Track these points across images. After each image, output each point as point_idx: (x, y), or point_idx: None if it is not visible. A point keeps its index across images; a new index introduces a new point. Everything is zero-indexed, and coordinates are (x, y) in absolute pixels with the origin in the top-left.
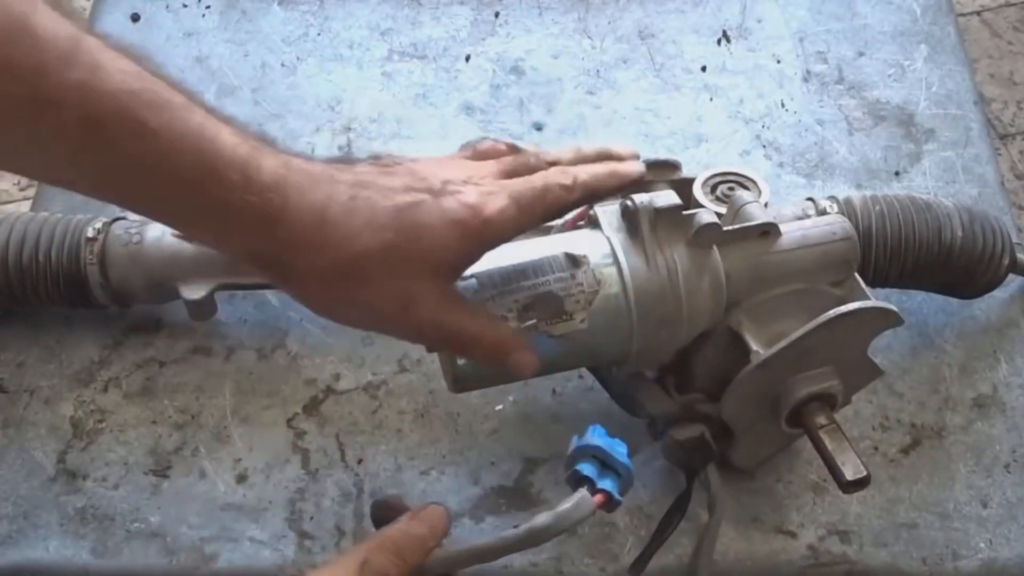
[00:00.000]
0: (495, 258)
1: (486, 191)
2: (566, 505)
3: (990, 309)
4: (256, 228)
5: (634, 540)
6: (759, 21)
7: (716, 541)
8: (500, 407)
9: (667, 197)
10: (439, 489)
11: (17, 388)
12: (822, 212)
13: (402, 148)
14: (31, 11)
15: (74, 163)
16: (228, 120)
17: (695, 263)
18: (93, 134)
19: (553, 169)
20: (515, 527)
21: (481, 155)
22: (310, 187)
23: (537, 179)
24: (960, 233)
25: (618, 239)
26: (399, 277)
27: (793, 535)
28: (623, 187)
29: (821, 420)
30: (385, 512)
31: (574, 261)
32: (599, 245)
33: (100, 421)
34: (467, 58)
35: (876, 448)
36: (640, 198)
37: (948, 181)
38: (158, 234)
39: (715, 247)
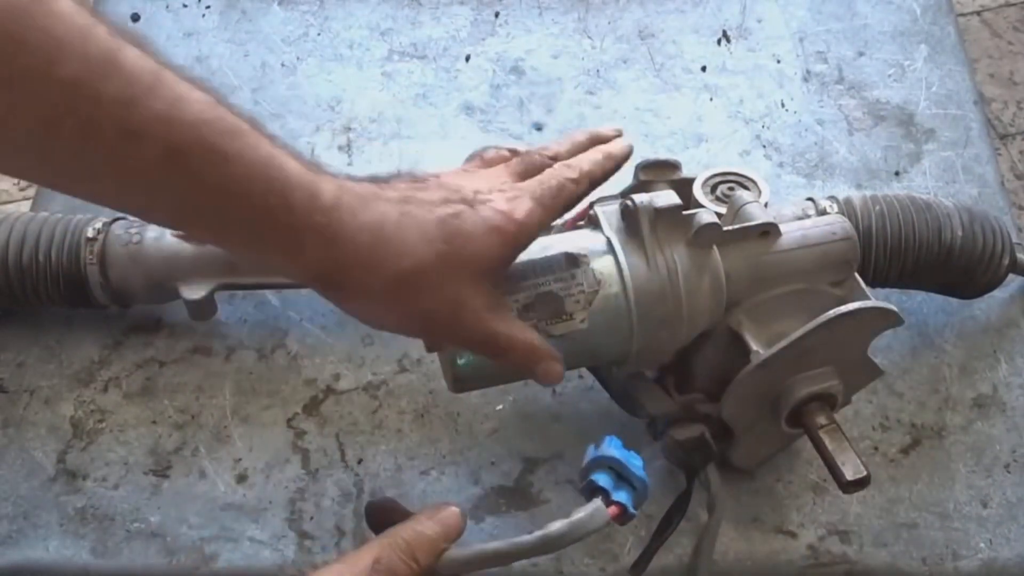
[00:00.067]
0: None
1: (511, 196)
2: (581, 514)
3: (990, 309)
4: (321, 249)
5: (634, 540)
6: (759, 21)
7: (716, 541)
8: (500, 407)
9: (667, 197)
10: (439, 489)
11: (17, 388)
12: (822, 212)
13: (402, 148)
14: (118, 47)
15: (152, 191)
16: (285, 145)
17: (695, 263)
18: (175, 163)
19: (558, 165)
20: (529, 532)
21: (488, 163)
22: (362, 207)
23: (550, 178)
24: (960, 233)
25: (618, 239)
26: (450, 285)
27: (793, 535)
28: (619, 167)
29: (821, 420)
30: (379, 513)
31: (574, 261)
32: (599, 245)
33: (100, 421)
34: (467, 58)
35: (876, 448)
36: (640, 198)
37: (948, 181)
38: (158, 234)
39: (715, 247)
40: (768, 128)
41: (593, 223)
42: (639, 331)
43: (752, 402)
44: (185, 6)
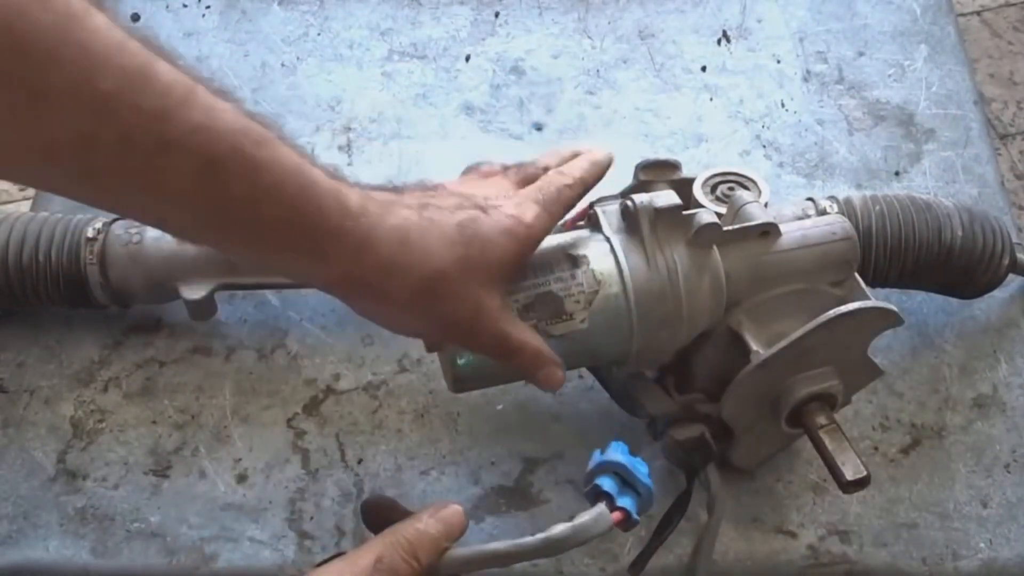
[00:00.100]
0: None
1: (517, 202)
2: (585, 518)
3: (990, 309)
4: (350, 253)
5: (634, 540)
6: (759, 21)
7: (716, 541)
8: (500, 407)
9: (667, 197)
10: (439, 489)
11: (17, 388)
12: (822, 212)
13: (402, 148)
14: (152, 60)
15: (187, 202)
16: (306, 152)
17: (695, 263)
18: (211, 172)
19: (551, 172)
20: (532, 535)
21: (486, 175)
22: (387, 213)
23: (548, 184)
24: (960, 233)
25: (618, 239)
26: (471, 288)
27: (793, 535)
28: (604, 173)
29: (821, 420)
30: (376, 512)
31: (574, 261)
32: (599, 245)
33: (100, 421)
34: (467, 58)
35: (876, 448)
36: (640, 198)
37: (948, 181)
38: (158, 234)
39: (715, 247)
40: (768, 128)
41: (593, 223)
42: (639, 331)
43: (752, 402)
44: (185, 6)
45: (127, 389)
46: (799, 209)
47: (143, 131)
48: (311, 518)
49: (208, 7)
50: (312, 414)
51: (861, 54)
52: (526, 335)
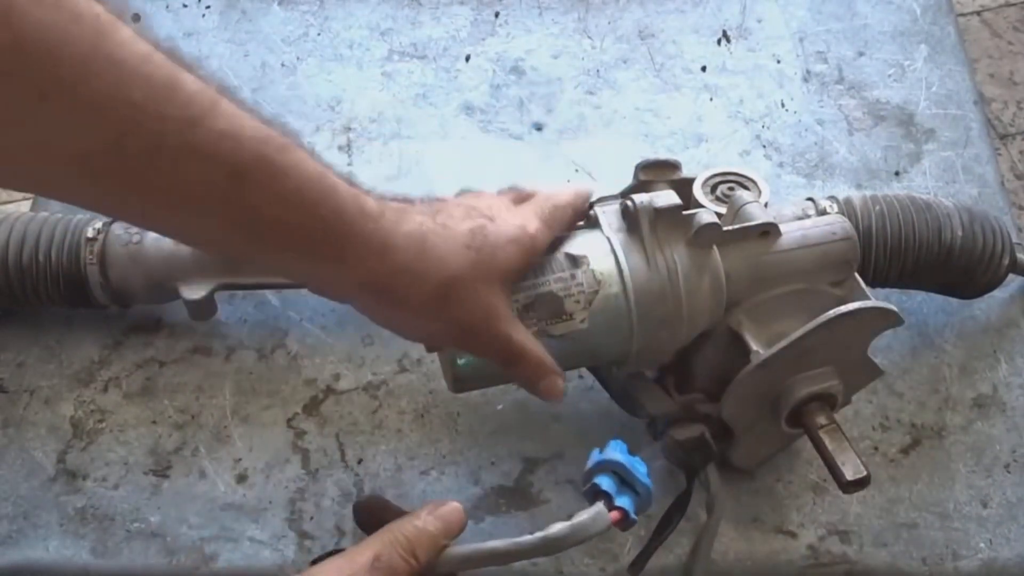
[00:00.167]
0: None
1: (520, 213)
2: (583, 517)
3: (990, 309)
4: (372, 257)
5: (634, 540)
6: (759, 21)
7: (715, 541)
8: (500, 407)
9: (667, 197)
10: (439, 489)
11: (17, 388)
12: (822, 212)
13: (402, 148)
14: (178, 71)
15: (212, 210)
16: (322, 158)
17: (695, 263)
18: (237, 179)
19: (543, 194)
20: (531, 534)
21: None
22: (402, 219)
23: (544, 200)
24: (960, 233)
25: (618, 239)
26: (482, 293)
27: (793, 535)
28: (588, 201)
29: (821, 420)
30: (368, 512)
31: (574, 261)
32: (599, 245)
33: (100, 421)
34: (467, 58)
35: (876, 448)
36: (640, 198)
37: (948, 181)
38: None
39: (715, 247)
40: (768, 128)
41: (593, 223)
42: (639, 331)
43: (752, 402)
44: (185, 6)
45: (127, 389)
46: (799, 209)
47: (171, 140)
48: (311, 518)
49: (208, 7)
50: (312, 414)
51: (861, 54)
52: (528, 341)
